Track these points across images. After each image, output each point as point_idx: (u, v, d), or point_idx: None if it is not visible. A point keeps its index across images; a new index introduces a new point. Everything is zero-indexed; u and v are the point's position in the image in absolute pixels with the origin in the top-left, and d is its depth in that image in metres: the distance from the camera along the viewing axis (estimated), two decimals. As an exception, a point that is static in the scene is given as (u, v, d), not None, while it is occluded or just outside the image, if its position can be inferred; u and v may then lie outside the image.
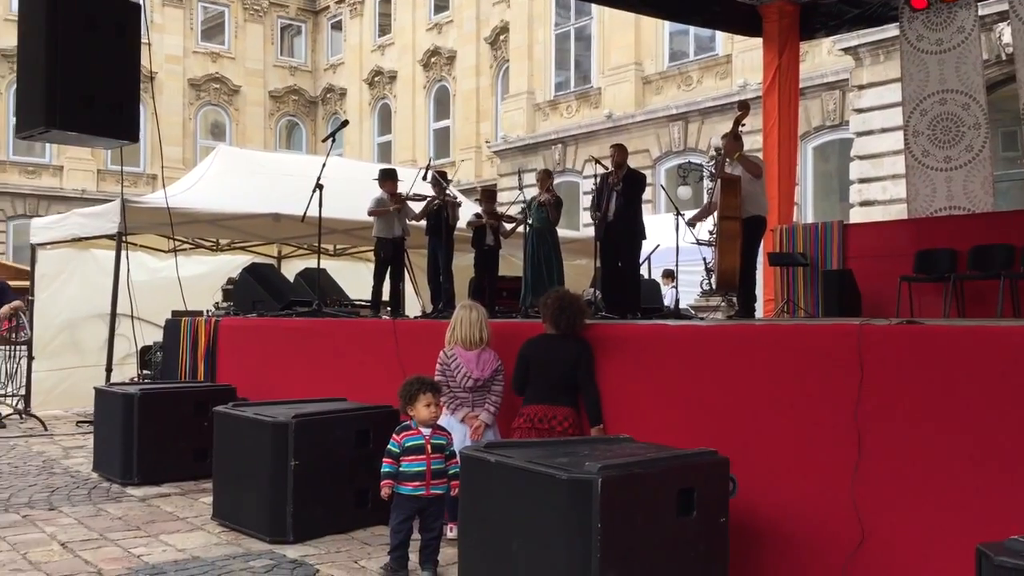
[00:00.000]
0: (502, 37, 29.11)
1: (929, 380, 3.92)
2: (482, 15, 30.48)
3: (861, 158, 17.55)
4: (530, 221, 9.20)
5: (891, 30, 13.67)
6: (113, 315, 10.61)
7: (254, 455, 5.87)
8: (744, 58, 20.33)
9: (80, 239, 11.70)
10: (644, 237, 8.34)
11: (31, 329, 11.75)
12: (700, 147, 21.62)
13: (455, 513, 4.76)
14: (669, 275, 13.64)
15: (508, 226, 9.64)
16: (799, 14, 11.31)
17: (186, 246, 12.90)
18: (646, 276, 11.33)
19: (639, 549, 3.66)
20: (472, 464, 4.22)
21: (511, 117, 27.08)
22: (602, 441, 4.67)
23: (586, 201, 21.77)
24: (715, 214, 8.03)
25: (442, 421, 5.30)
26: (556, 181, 12.34)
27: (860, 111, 17.55)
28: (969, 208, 9.68)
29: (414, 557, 4.95)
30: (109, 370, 10.43)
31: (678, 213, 9.25)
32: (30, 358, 11.76)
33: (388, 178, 9.28)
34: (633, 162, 9.79)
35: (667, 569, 3.78)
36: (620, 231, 8.07)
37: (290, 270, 13.17)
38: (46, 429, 10.34)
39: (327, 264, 11.64)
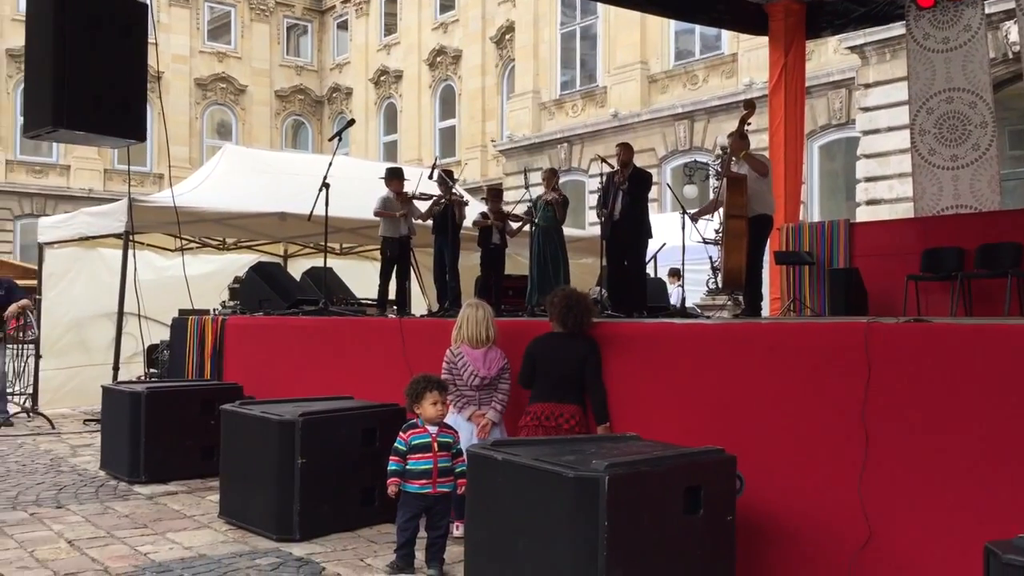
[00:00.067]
0: (508, 36, 29.11)
1: (936, 379, 3.91)
2: (488, 14, 30.48)
3: (867, 157, 17.52)
4: (536, 220, 9.20)
5: (897, 28, 13.63)
6: (120, 314, 10.64)
7: (261, 453, 5.88)
8: (750, 57, 20.29)
9: (87, 238, 11.73)
10: (650, 236, 8.34)
11: (38, 328, 11.80)
12: (706, 146, 21.60)
13: (461, 511, 4.75)
14: (675, 274, 13.63)
15: (514, 225, 9.64)
16: (805, 13, 11.29)
17: (193, 245, 12.93)
18: (652, 275, 11.33)
19: (646, 547, 3.65)
20: (479, 462, 4.22)
21: (517, 116, 27.08)
22: (609, 439, 4.67)
23: (592, 200, 21.74)
24: (721, 212, 8.02)
25: (449, 419, 5.31)
26: (562, 180, 12.34)
27: (866, 110, 17.51)
28: (976, 207, 9.65)
29: (420, 555, 4.96)
30: (116, 368, 10.46)
31: (684, 212, 9.24)
32: (37, 356, 11.79)
33: (395, 177, 9.30)
34: (639, 161, 9.77)
35: (674, 567, 3.78)
36: (626, 230, 8.07)
37: (296, 269, 13.18)
38: (53, 427, 10.37)
39: (333, 263, 11.64)
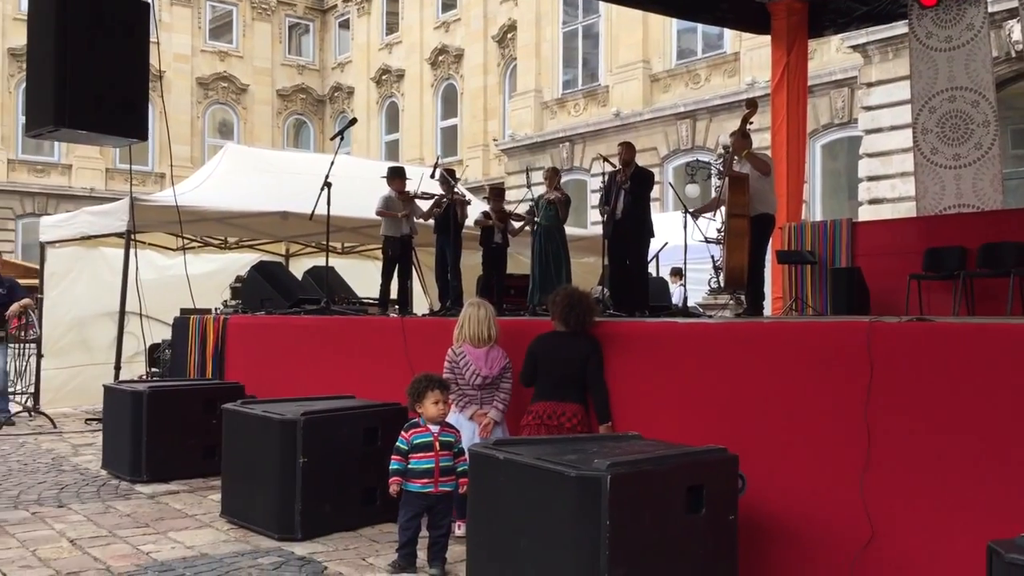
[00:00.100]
0: (510, 35, 29.10)
1: (939, 378, 3.91)
2: (489, 13, 30.47)
3: (870, 156, 17.50)
4: (538, 219, 9.20)
5: (900, 27, 13.64)
6: (122, 313, 10.65)
7: (263, 452, 5.88)
8: (752, 56, 20.28)
9: (89, 237, 11.74)
10: (652, 235, 8.33)
11: (40, 327, 11.81)
12: (708, 145, 21.59)
13: (463, 510, 4.76)
14: (677, 273, 13.61)
15: (516, 225, 9.63)
16: (808, 11, 11.28)
17: (194, 244, 12.94)
18: (654, 274, 11.33)
19: (648, 546, 3.65)
20: (481, 461, 4.22)
21: (519, 115, 27.07)
22: (611, 438, 4.67)
23: (594, 199, 21.76)
24: (723, 211, 8.01)
25: (451, 418, 5.31)
26: (564, 179, 12.32)
27: (869, 109, 17.49)
28: (978, 206, 9.64)
29: (422, 554, 4.96)
30: (118, 368, 10.47)
31: (686, 211, 9.22)
32: (39, 356, 11.80)
33: (396, 176, 9.30)
34: (641, 160, 9.77)
35: (676, 566, 3.78)
36: (628, 229, 8.06)
37: (298, 268, 13.19)
38: (55, 427, 10.38)
39: (335, 262, 11.65)
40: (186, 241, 11.85)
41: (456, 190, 9.36)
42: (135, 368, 11.35)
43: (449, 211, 9.05)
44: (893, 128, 16.61)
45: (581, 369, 5.33)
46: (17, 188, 32.88)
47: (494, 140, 29.26)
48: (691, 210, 8.95)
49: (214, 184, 12.27)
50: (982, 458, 3.75)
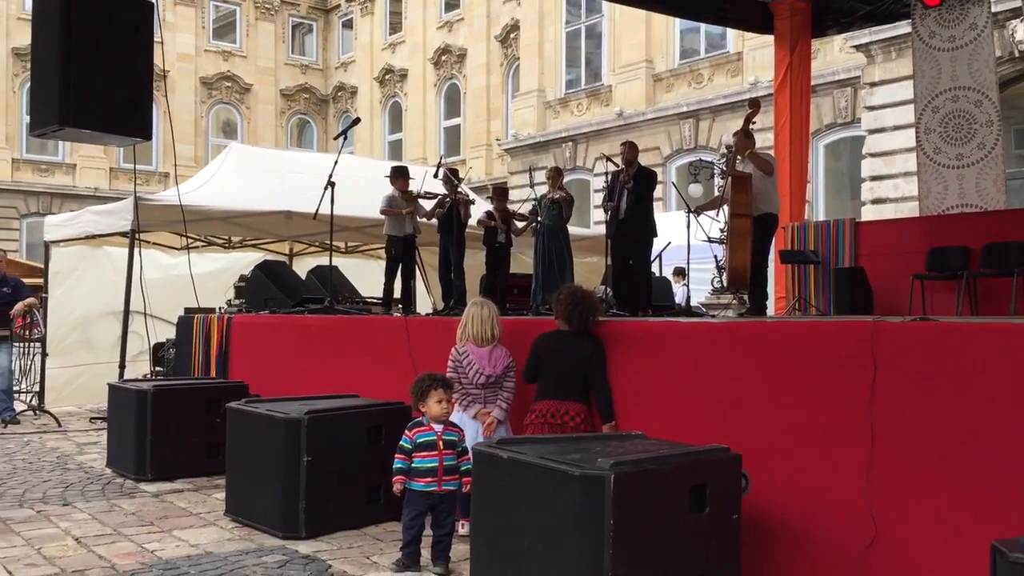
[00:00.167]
0: (512, 35, 29.10)
1: (943, 377, 3.91)
2: (492, 13, 30.48)
3: (873, 155, 17.50)
4: (541, 219, 9.20)
5: (903, 27, 13.63)
6: (126, 312, 10.66)
7: (267, 451, 5.90)
8: (755, 55, 20.28)
9: (93, 236, 11.75)
10: (655, 235, 8.33)
11: (45, 326, 11.82)
12: (711, 145, 21.58)
13: (467, 509, 4.77)
14: (680, 273, 13.63)
15: (520, 224, 9.64)
16: (811, 11, 11.27)
17: (198, 243, 12.95)
18: (657, 274, 11.33)
19: (651, 545, 3.66)
20: (484, 460, 4.23)
21: (522, 115, 27.07)
22: (614, 438, 4.67)
23: (597, 199, 21.76)
24: (726, 211, 8.01)
25: (454, 417, 5.32)
26: (567, 179, 12.31)
27: (872, 108, 17.49)
28: (981, 206, 9.63)
29: (426, 553, 4.97)
30: (122, 367, 10.49)
31: (689, 211, 9.23)
32: (44, 355, 11.83)
33: (400, 175, 9.30)
34: (644, 160, 9.78)
35: (679, 565, 3.79)
36: (631, 229, 8.06)
37: (302, 267, 13.21)
38: (60, 425, 10.40)
39: (339, 261, 11.66)
40: (190, 240, 11.86)
41: (459, 190, 9.36)
42: (139, 367, 11.37)
43: (453, 211, 9.06)
44: (896, 128, 16.61)
45: (584, 368, 5.33)
46: (22, 187, 32.94)
47: (497, 140, 29.27)
48: (694, 208, 8.95)
49: (218, 183, 12.28)
50: (986, 457, 3.76)
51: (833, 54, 19.15)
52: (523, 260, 11.17)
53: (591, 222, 22.30)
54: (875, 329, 4.14)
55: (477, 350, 5.71)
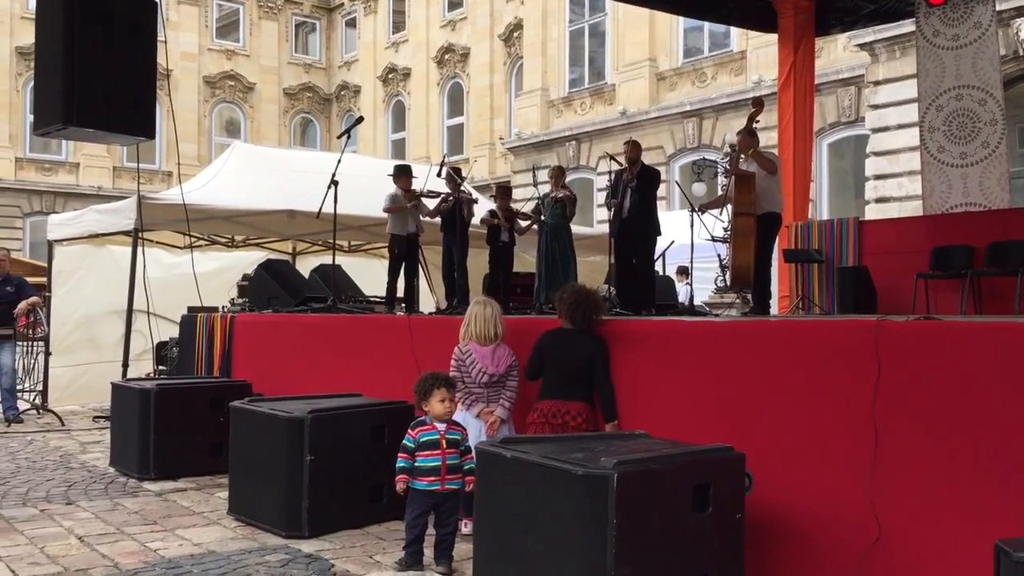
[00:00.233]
0: (516, 34, 29.10)
1: (946, 377, 3.90)
2: (496, 12, 30.48)
3: (877, 154, 17.47)
4: (545, 217, 9.20)
5: (907, 26, 13.60)
6: (129, 311, 10.67)
7: (270, 450, 5.90)
8: (759, 54, 20.26)
9: (97, 235, 11.77)
10: (659, 233, 8.32)
11: (48, 325, 11.84)
12: (714, 143, 21.57)
13: (470, 508, 4.77)
14: (683, 272, 13.62)
15: (523, 223, 9.63)
16: (815, 10, 11.26)
17: (202, 242, 12.96)
18: (660, 273, 11.31)
19: (654, 545, 3.65)
20: (487, 459, 4.23)
21: (525, 114, 27.06)
22: (617, 437, 4.67)
23: (600, 198, 21.75)
24: (730, 210, 8.00)
25: (457, 416, 5.31)
26: (570, 178, 12.31)
27: (876, 107, 17.46)
28: (985, 204, 9.61)
29: (429, 552, 4.97)
30: (125, 366, 10.50)
31: (693, 209, 9.22)
32: (47, 354, 11.84)
33: (403, 174, 9.28)
34: (647, 159, 9.77)
35: (682, 565, 3.78)
36: (634, 228, 8.05)
37: (305, 266, 13.21)
38: (63, 424, 10.42)
39: (342, 260, 11.65)
40: (193, 239, 11.85)
41: (462, 188, 9.36)
42: (143, 366, 11.38)
43: (456, 209, 9.05)
44: (900, 126, 16.59)
45: (587, 367, 5.33)
46: (25, 186, 32.98)
47: (500, 139, 29.27)
48: (698, 206, 8.94)
49: (221, 182, 12.29)
50: (990, 457, 3.75)
51: (837, 53, 19.13)
52: (526, 259, 11.16)
53: (594, 221, 22.30)
54: (879, 328, 4.13)
55: (480, 349, 5.70)
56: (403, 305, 9.28)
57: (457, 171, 9.38)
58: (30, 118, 30.30)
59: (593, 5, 25.64)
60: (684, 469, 3.87)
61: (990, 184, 9.63)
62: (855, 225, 9.90)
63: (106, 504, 6.50)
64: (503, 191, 9.93)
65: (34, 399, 11.56)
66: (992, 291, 8.50)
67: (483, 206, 10.52)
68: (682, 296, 12.69)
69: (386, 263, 9.58)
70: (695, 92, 22.51)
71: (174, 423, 7.42)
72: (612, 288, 8.45)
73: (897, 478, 4.03)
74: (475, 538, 4.34)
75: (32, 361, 12.18)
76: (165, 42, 6.88)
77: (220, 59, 37.30)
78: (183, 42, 35.47)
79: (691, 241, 9.09)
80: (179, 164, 11.77)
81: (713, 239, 10.12)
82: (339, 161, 8.93)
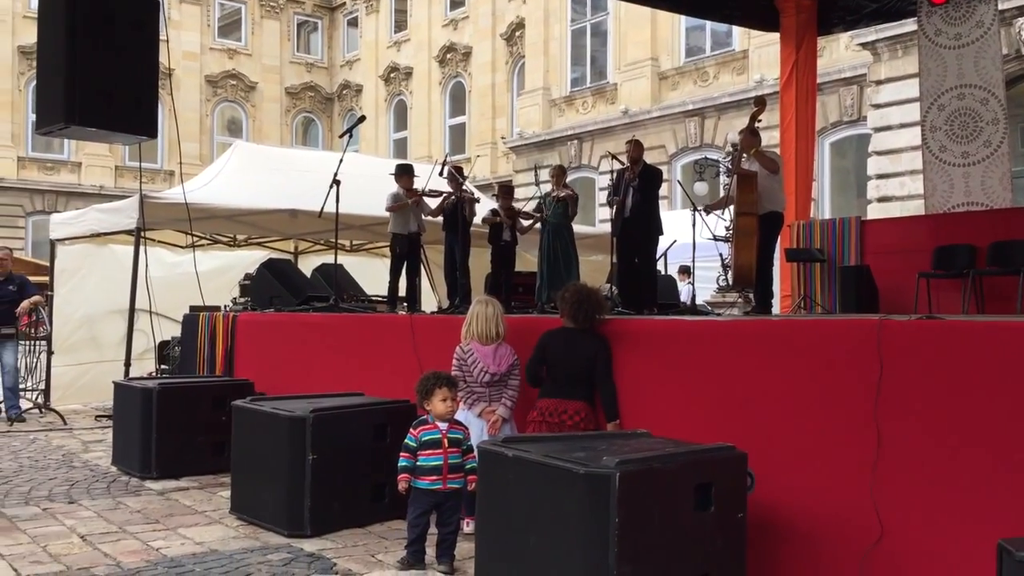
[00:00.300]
0: (518, 33, 29.11)
1: (948, 376, 3.90)
2: (498, 11, 30.48)
3: (879, 154, 17.46)
4: (546, 216, 9.19)
5: (909, 25, 13.58)
6: (131, 310, 10.67)
7: (272, 449, 5.90)
8: (761, 53, 20.25)
9: (99, 235, 11.78)
10: (661, 233, 8.33)
11: (50, 324, 11.84)
12: (716, 143, 21.57)
13: (472, 507, 4.76)
14: (685, 271, 13.61)
15: (525, 223, 9.64)
16: (816, 9, 11.25)
17: (204, 242, 12.97)
18: (662, 272, 11.31)
19: (656, 544, 3.65)
20: (489, 458, 4.23)
21: (527, 113, 27.07)
22: (619, 436, 4.67)
23: (602, 197, 21.73)
24: (732, 209, 8.00)
25: (459, 416, 5.31)
26: (572, 177, 12.30)
27: (878, 106, 17.45)
28: (987, 204, 9.61)
29: (431, 551, 4.97)
30: (128, 365, 10.51)
31: (695, 209, 9.22)
32: (49, 353, 11.84)
33: (404, 173, 9.29)
34: (649, 158, 9.77)
35: (684, 564, 3.78)
36: (637, 227, 8.05)
37: (307, 265, 13.20)
38: (65, 423, 10.43)
39: (344, 260, 11.66)
40: (195, 238, 11.87)
41: (464, 188, 9.36)
42: (145, 365, 11.39)
43: (458, 208, 9.05)
44: (902, 126, 16.58)
45: (589, 366, 5.33)
46: (27, 186, 33.02)
47: (502, 138, 29.27)
48: (701, 207, 8.94)
49: (223, 182, 12.30)
50: (992, 456, 3.75)
51: (839, 52, 19.12)
52: (528, 258, 11.16)
53: (596, 220, 22.30)
54: (881, 327, 4.13)
55: (482, 348, 5.70)
56: (405, 304, 9.28)
57: (459, 170, 9.39)
58: (32, 117, 30.31)
59: (595, 4, 25.64)
60: (686, 468, 3.87)
61: (992, 183, 9.63)
62: (857, 224, 9.89)
63: (108, 503, 6.50)
64: (505, 190, 9.93)
65: (36, 398, 11.57)
66: (994, 291, 8.49)
67: (485, 205, 10.52)
68: (684, 295, 12.68)
69: (388, 262, 9.58)
70: (697, 91, 22.50)
71: (176, 422, 7.43)
72: (614, 287, 8.45)
73: (899, 477, 4.03)
74: (477, 537, 4.34)
75: (34, 360, 12.17)
76: (167, 41, 6.88)
77: (222, 58, 37.32)
78: (185, 41, 35.48)
79: (693, 240, 9.09)
80: (181, 163, 11.78)
81: (715, 238, 10.13)
82: (341, 160, 8.93)
